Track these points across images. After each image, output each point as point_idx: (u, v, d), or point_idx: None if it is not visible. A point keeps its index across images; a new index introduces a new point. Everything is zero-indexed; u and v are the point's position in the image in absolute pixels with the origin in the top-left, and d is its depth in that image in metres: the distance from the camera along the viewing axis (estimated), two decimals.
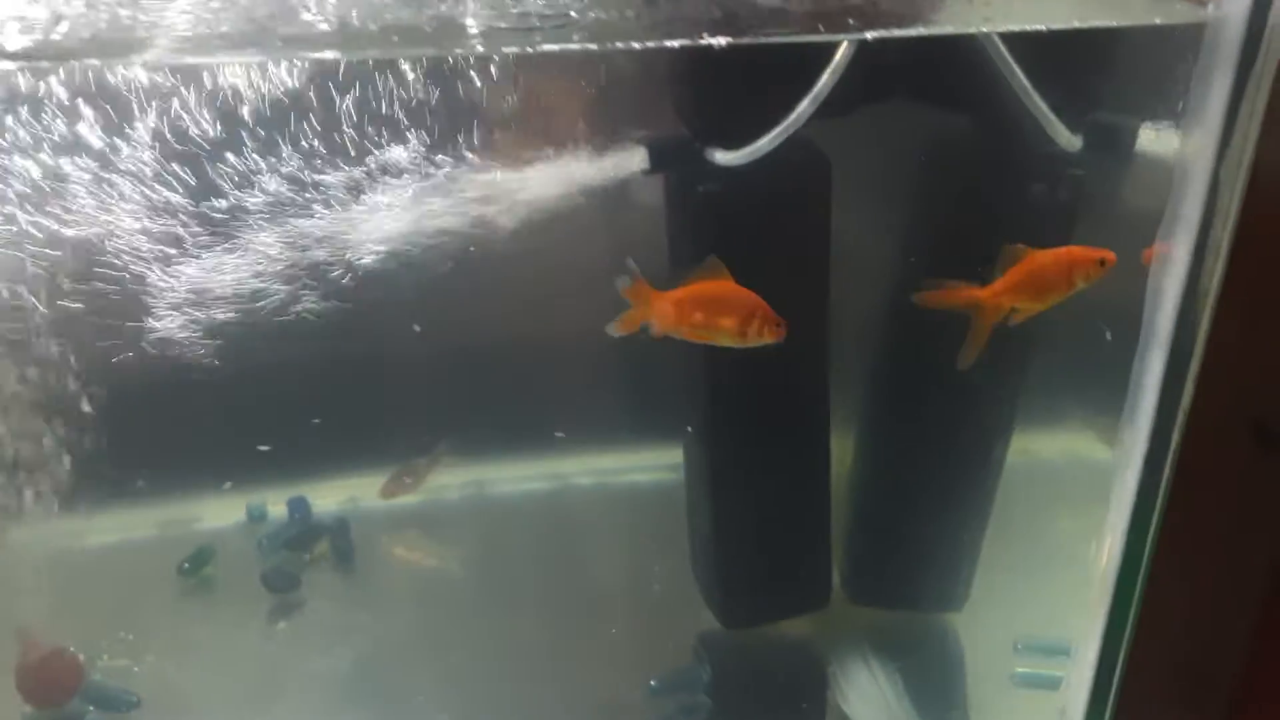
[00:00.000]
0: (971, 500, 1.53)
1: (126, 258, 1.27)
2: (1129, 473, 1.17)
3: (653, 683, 1.57)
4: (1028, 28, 1.12)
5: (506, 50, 1.12)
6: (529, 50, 1.09)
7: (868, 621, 1.62)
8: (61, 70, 1.13)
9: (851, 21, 1.10)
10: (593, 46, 1.08)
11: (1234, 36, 0.95)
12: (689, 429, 1.54)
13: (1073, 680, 1.27)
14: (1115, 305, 1.23)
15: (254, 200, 1.25)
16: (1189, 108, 1.03)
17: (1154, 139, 1.20)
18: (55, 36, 1.02)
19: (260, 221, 1.27)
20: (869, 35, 1.12)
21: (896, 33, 1.10)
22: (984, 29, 1.14)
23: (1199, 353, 1.11)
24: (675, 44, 1.05)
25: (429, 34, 1.07)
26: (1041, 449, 1.60)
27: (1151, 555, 1.18)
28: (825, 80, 1.19)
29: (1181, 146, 1.06)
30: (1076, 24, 1.12)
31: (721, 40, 1.05)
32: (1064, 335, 1.38)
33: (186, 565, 1.62)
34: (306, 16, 1.04)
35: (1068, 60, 1.21)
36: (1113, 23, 1.15)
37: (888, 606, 1.63)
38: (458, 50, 1.13)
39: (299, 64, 1.15)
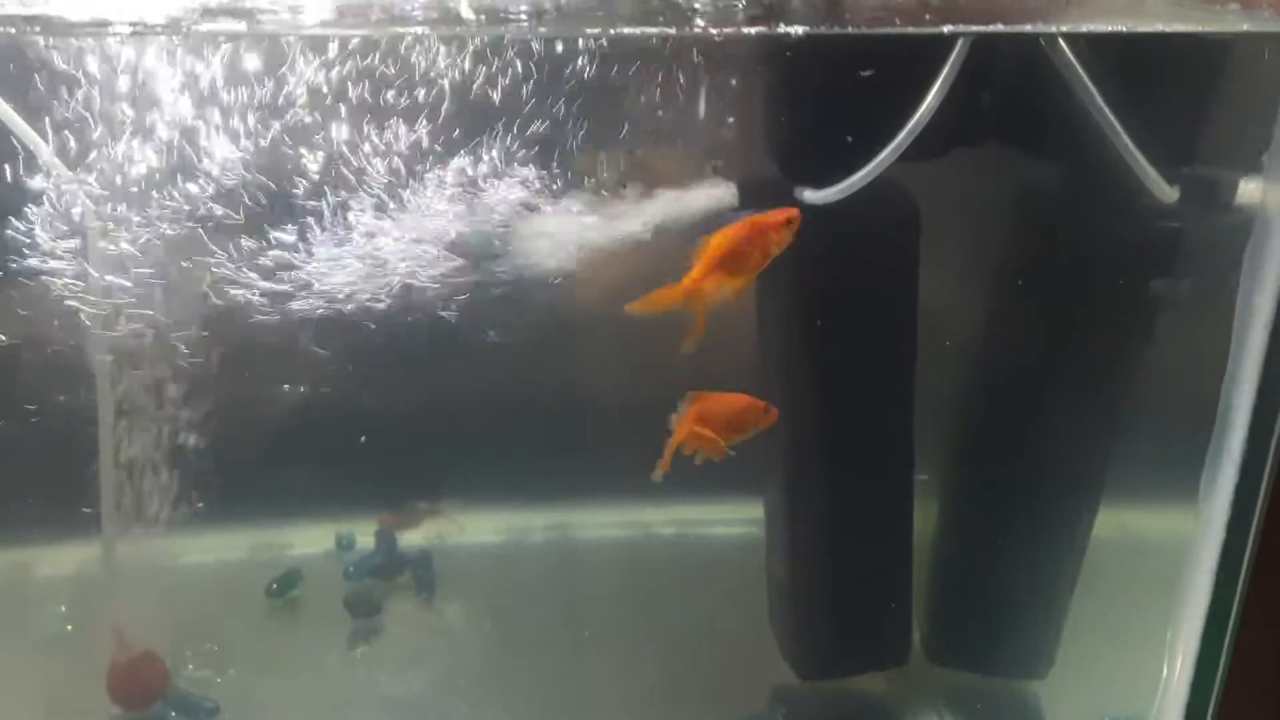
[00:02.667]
0: (1056, 568, 1.49)
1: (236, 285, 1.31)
2: (1215, 527, 1.13)
3: None
4: (1105, 29, 1.11)
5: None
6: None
7: (946, 683, 1.58)
8: None
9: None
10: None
11: None
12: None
13: None
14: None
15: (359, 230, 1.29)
16: (1271, 155, 1.02)
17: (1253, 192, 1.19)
18: None
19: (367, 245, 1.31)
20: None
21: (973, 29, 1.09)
22: (1063, 28, 1.13)
23: None
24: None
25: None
26: (1139, 525, 1.55)
27: (1238, 618, 1.13)
28: (917, 118, 1.20)
29: (1263, 195, 1.04)
30: (1160, 27, 1.10)
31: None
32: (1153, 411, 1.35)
33: (275, 586, 1.67)
34: None
35: (1163, 109, 1.21)
36: (1199, 28, 1.13)
37: (968, 669, 1.59)
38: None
39: None
